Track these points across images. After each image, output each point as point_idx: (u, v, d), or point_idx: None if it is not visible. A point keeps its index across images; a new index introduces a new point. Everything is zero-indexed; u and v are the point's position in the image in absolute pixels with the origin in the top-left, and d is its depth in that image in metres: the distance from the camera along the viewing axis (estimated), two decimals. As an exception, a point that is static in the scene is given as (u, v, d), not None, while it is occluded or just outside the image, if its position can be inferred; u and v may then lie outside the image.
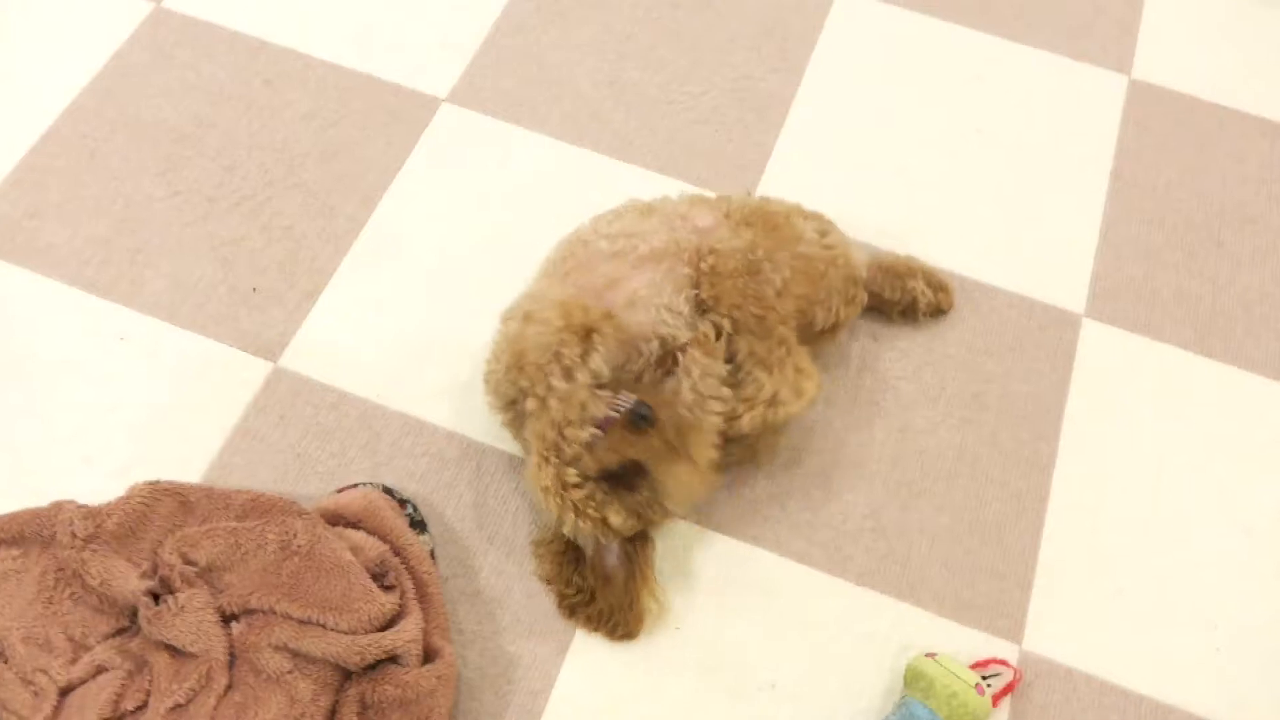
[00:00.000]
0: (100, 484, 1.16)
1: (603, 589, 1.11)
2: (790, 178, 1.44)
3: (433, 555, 1.15)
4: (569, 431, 1.02)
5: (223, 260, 1.35)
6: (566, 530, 1.07)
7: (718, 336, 1.09)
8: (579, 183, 1.44)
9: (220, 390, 1.26)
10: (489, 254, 1.37)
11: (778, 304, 1.11)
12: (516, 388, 1.09)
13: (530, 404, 1.06)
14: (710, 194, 1.34)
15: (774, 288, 1.12)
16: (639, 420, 1.02)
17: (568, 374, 1.04)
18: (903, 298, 1.30)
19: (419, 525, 1.17)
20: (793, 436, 1.25)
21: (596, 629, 1.12)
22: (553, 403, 1.04)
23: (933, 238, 1.39)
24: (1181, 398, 1.30)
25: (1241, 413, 1.29)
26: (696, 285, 1.11)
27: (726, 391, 1.09)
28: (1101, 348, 1.33)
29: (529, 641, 1.12)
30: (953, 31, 1.61)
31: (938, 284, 1.32)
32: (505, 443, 1.23)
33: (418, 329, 1.31)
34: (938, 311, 1.33)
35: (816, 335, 1.21)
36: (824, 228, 1.22)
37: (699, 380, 1.06)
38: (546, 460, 1.04)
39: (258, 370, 1.27)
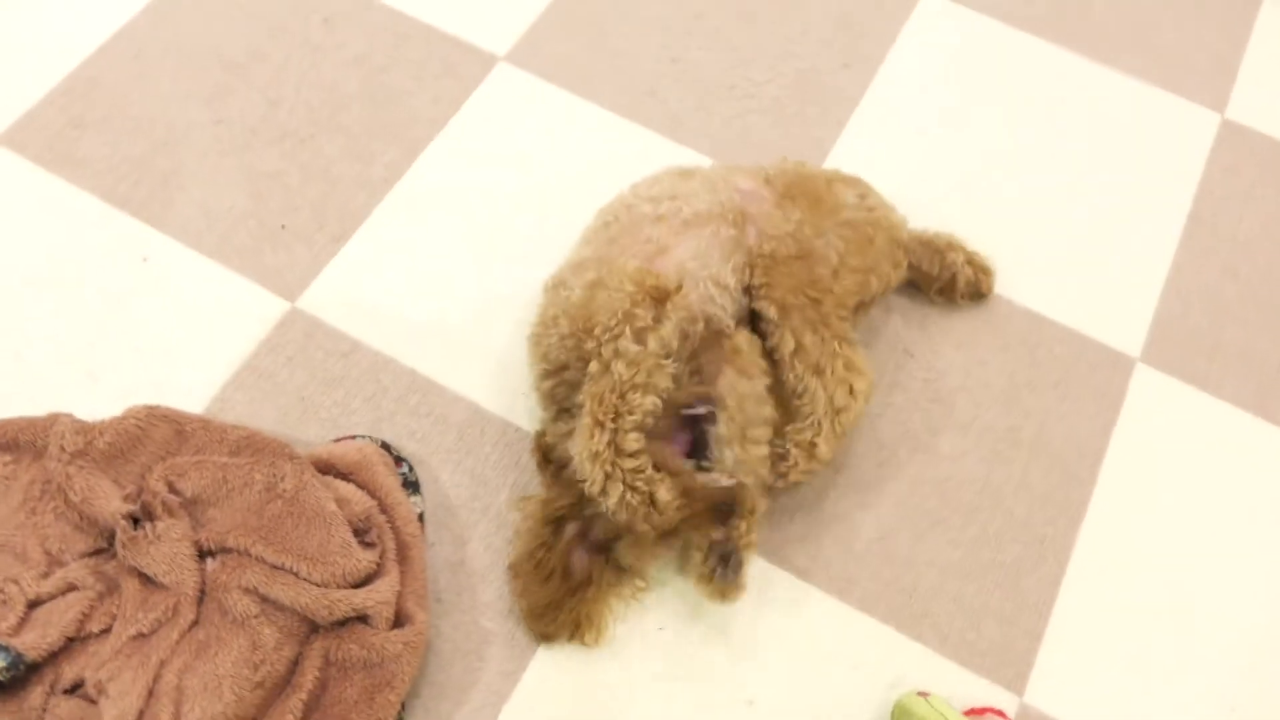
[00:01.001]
0: (101, 402, 1.15)
1: (558, 581, 1.05)
2: (846, 179, 1.38)
3: (421, 519, 1.12)
4: (632, 397, 0.97)
5: (256, 194, 1.32)
6: (611, 504, 0.99)
7: (755, 328, 1.04)
8: (627, 158, 1.39)
9: (234, 323, 1.23)
10: (526, 220, 1.33)
11: (835, 285, 1.06)
12: (574, 352, 1.04)
13: (593, 367, 1.01)
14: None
15: (829, 266, 1.07)
16: (725, 510, 1.00)
17: (639, 337, 0.99)
18: (942, 273, 1.24)
19: (412, 486, 1.14)
20: (810, 446, 1.19)
21: (529, 619, 1.06)
22: (619, 366, 0.98)
23: (990, 257, 1.31)
24: (1232, 460, 1.21)
25: (1296, 484, 1.20)
26: (744, 251, 1.07)
27: (769, 412, 1.05)
28: (1153, 396, 1.25)
29: (507, 621, 1.08)
30: (1040, 47, 1.53)
31: (979, 265, 1.26)
32: (515, 415, 1.19)
33: (442, 288, 1.28)
34: (977, 294, 1.27)
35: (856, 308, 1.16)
36: (863, 190, 1.18)
37: (736, 410, 1.03)
38: (601, 425, 0.98)
39: (274, 308, 1.25)
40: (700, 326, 1.05)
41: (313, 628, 1.01)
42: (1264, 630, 1.12)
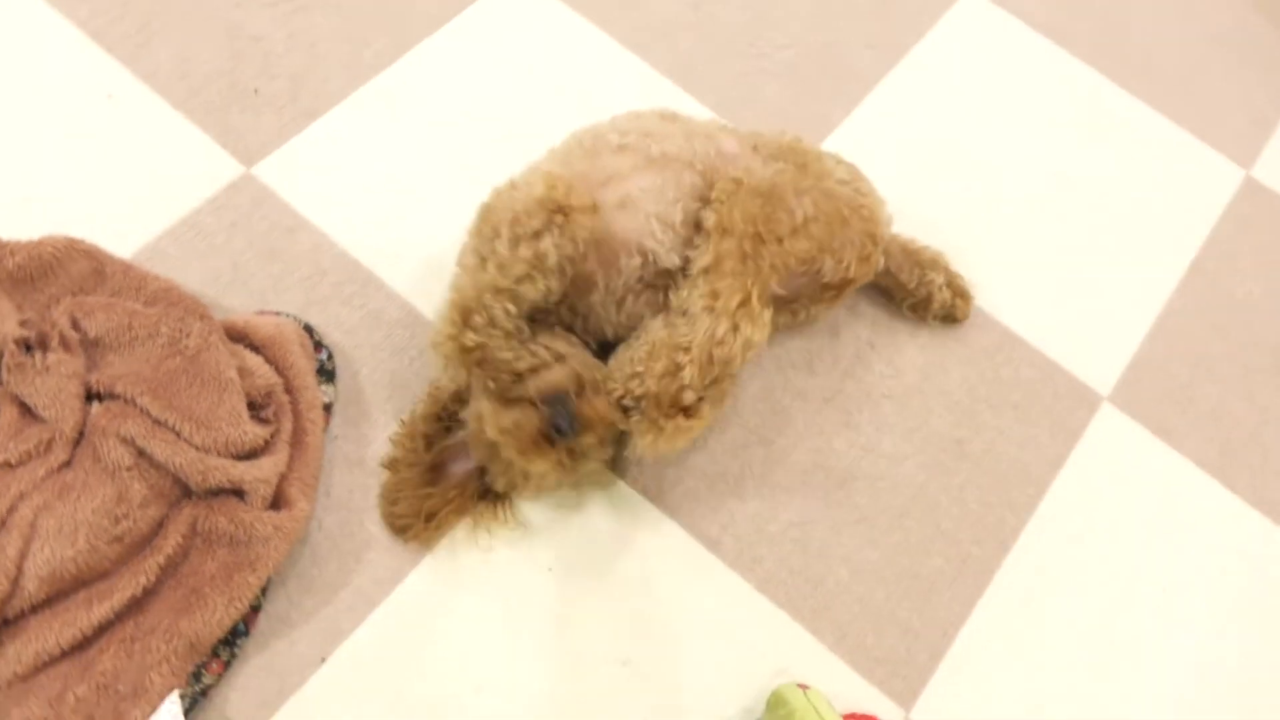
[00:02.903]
0: (30, 225, 1.09)
1: (426, 471, 1.01)
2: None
3: (328, 409, 1.07)
4: (487, 298, 0.93)
5: (236, 53, 1.27)
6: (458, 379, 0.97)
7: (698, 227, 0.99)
8: (624, 93, 1.33)
9: (184, 176, 1.19)
10: (504, 134, 1.28)
11: (786, 240, 0.99)
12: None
13: (470, 259, 0.97)
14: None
15: (791, 221, 1.00)
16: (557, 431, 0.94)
17: (514, 242, 0.94)
18: (918, 288, 1.18)
19: (327, 375, 1.09)
20: (746, 418, 1.14)
21: (383, 495, 1.03)
22: (490, 266, 0.94)
23: (977, 267, 1.24)
24: (1181, 519, 1.15)
25: (1240, 555, 1.14)
26: (704, 199, 1.00)
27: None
28: (1114, 438, 1.19)
29: (394, 530, 1.03)
30: (1074, 66, 1.46)
31: (959, 289, 1.20)
32: (451, 326, 1.14)
33: (403, 185, 1.23)
34: (950, 318, 1.21)
35: (822, 290, 1.09)
36: (854, 174, 1.12)
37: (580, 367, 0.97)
38: (453, 322, 0.94)
39: (228, 169, 1.20)
40: (636, 261, 1.00)
41: (185, 492, 0.97)
42: (1170, 695, 1.06)
